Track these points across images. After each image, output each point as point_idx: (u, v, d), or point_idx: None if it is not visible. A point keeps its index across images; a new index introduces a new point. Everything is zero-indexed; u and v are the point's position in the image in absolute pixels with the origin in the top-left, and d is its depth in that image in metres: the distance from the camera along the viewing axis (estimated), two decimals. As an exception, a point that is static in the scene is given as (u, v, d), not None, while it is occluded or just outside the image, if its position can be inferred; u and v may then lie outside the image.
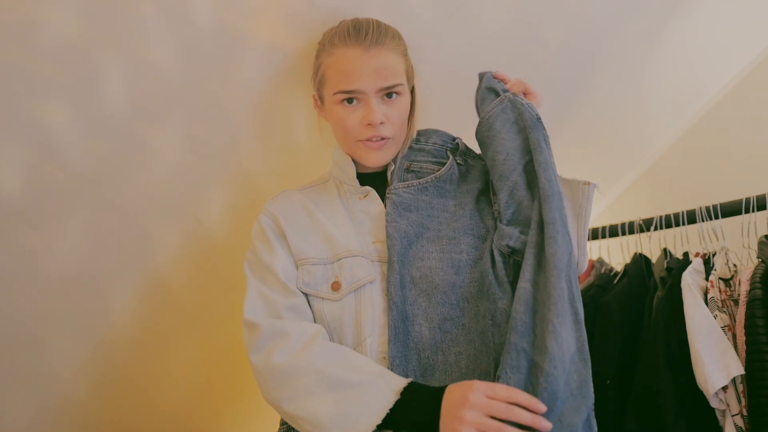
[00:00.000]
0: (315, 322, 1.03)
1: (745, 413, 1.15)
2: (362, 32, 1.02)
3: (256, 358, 0.94)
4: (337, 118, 1.04)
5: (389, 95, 1.03)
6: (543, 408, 0.82)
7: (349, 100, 1.02)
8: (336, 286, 0.99)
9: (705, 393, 1.17)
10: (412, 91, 1.12)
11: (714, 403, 1.17)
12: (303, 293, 1.01)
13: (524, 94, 1.08)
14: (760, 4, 1.57)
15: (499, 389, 0.82)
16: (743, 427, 1.14)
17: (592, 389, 0.89)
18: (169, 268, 1.33)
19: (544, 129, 1.02)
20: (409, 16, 1.15)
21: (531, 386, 0.85)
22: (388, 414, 0.84)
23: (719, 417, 1.18)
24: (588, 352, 0.91)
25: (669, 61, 1.60)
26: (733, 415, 1.16)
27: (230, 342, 1.47)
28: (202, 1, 1.08)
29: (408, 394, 0.86)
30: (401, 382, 0.88)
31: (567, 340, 0.87)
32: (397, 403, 0.85)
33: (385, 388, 0.87)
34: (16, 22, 0.99)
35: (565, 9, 1.33)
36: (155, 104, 1.16)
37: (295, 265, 1.02)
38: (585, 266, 1.05)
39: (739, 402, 1.15)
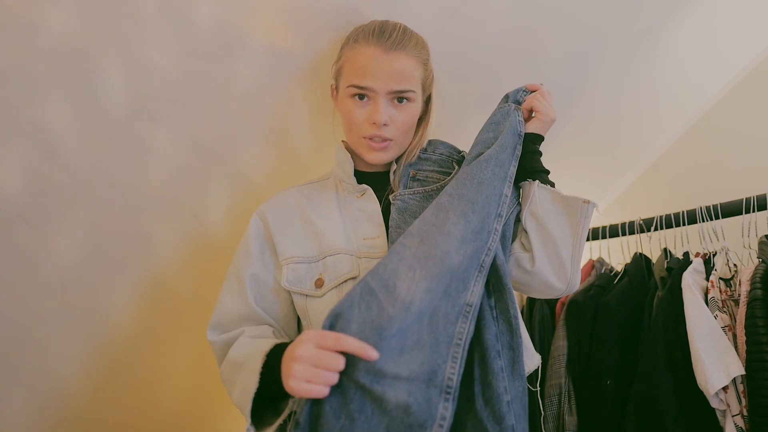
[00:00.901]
0: (297, 321, 1.08)
1: (745, 413, 1.15)
2: (386, 34, 1.04)
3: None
4: (346, 111, 1.07)
5: (399, 99, 1.05)
6: (374, 355, 0.80)
7: (360, 96, 1.05)
8: (319, 283, 1.01)
9: (705, 393, 1.17)
10: (429, 99, 1.13)
11: (714, 403, 1.17)
12: (287, 291, 1.04)
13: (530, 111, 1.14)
14: (759, 6, 1.57)
15: (328, 338, 0.80)
16: (744, 428, 1.14)
17: (436, 367, 0.84)
18: (169, 269, 1.33)
19: (521, 144, 1.08)
20: (408, 16, 1.15)
21: (358, 310, 0.83)
22: (262, 376, 0.86)
23: (719, 417, 1.18)
24: (446, 331, 0.87)
25: (668, 61, 1.60)
26: (733, 416, 1.15)
27: (230, 342, 1.47)
28: (202, 1, 1.08)
29: (272, 354, 0.88)
30: (268, 345, 0.90)
31: (422, 296, 0.85)
32: (264, 365, 0.87)
33: (259, 354, 0.89)
34: (16, 22, 0.99)
35: (564, 10, 1.33)
36: (155, 104, 1.16)
37: (278, 267, 1.05)
38: (577, 285, 1.06)
39: (740, 402, 1.15)
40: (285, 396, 0.88)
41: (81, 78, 1.07)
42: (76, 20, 1.02)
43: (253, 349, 0.93)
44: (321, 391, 0.80)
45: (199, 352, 1.46)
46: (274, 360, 0.87)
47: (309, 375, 0.80)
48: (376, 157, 1.07)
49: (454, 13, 1.24)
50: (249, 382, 0.87)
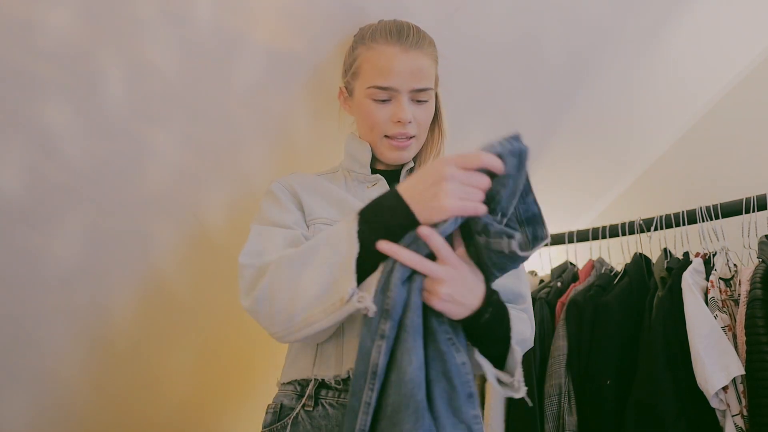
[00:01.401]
0: None
1: (745, 413, 1.15)
2: (404, 33, 1.05)
3: (246, 302, 0.87)
4: (366, 112, 1.06)
5: (419, 98, 1.05)
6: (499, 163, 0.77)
7: (382, 97, 1.04)
8: None
9: (705, 393, 1.17)
10: (435, 95, 1.13)
11: (714, 403, 1.17)
12: None
13: None
14: (759, 6, 1.57)
15: (470, 159, 0.77)
16: (743, 427, 1.14)
17: None
18: (168, 268, 1.33)
19: None
20: (408, 16, 1.15)
21: None
22: (359, 233, 0.79)
23: (719, 417, 1.18)
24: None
25: (669, 61, 1.60)
26: (733, 416, 1.16)
27: (229, 341, 1.47)
28: (202, 1, 1.08)
29: (368, 207, 0.83)
30: (354, 212, 0.84)
31: None
32: (360, 220, 0.81)
33: (344, 222, 0.83)
34: (16, 22, 0.99)
35: (564, 10, 1.33)
36: (155, 104, 1.16)
37: (306, 224, 1.00)
38: None
39: (740, 402, 1.15)
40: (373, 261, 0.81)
41: (81, 78, 1.07)
42: (75, 20, 1.02)
43: (328, 229, 0.85)
44: (476, 208, 0.77)
45: (200, 351, 1.46)
46: (372, 210, 0.81)
47: (463, 193, 0.76)
48: (398, 156, 1.07)
49: (454, 13, 1.24)
50: (340, 251, 0.80)
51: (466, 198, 0.77)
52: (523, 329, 0.98)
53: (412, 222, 0.79)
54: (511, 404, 1.46)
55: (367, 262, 0.80)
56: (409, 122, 1.04)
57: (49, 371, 1.29)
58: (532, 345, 1.04)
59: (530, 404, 1.07)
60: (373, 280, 0.80)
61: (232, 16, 1.11)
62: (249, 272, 0.89)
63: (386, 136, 1.06)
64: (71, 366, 1.31)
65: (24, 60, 1.02)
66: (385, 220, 0.81)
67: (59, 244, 1.19)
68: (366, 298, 0.77)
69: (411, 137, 1.06)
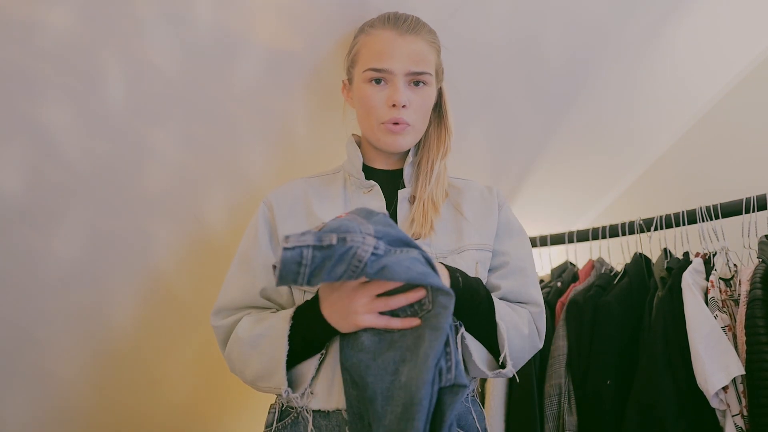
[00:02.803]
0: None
1: (745, 413, 1.15)
2: (401, 19, 1.07)
3: (226, 361, 1.04)
4: (363, 97, 1.06)
5: (416, 83, 1.05)
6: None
7: (377, 80, 1.04)
8: None
9: (705, 393, 1.17)
10: (440, 92, 1.13)
11: (714, 403, 1.17)
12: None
13: None
14: (759, 6, 1.57)
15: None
16: (743, 428, 1.14)
17: None
18: (168, 268, 1.33)
19: None
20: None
21: None
22: (291, 339, 0.92)
23: (719, 417, 1.18)
24: None
25: (670, 61, 1.60)
26: (733, 416, 1.16)
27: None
28: (202, 1, 1.08)
29: (298, 315, 0.95)
30: (292, 310, 0.96)
31: None
32: (293, 327, 0.93)
33: (282, 322, 0.95)
34: (16, 22, 0.99)
35: (564, 11, 1.33)
36: (155, 104, 1.16)
37: None
38: None
39: (740, 402, 1.15)
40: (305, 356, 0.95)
41: (81, 78, 1.07)
42: (75, 20, 1.02)
43: (273, 320, 0.97)
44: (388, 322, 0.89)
45: (200, 352, 1.46)
46: (301, 320, 0.93)
47: (370, 305, 0.89)
48: (393, 141, 1.05)
49: (454, 13, 1.24)
50: (275, 348, 0.93)
51: (374, 308, 0.88)
52: (517, 321, 1.00)
53: (333, 332, 0.92)
54: (511, 404, 1.46)
55: (299, 357, 0.94)
56: (404, 106, 1.03)
57: (49, 371, 1.29)
58: (540, 346, 1.06)
59: (518, 380, 1.23)
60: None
61: (232, 16, 1.11)
62: (217, 333, 1.05)
63: (383, 123, 1.05)
64: (71, 366, 1.31)
65: (24, 60, 1.02)
66: (310, 332, 0.93)
67: (59, 244, 1.19)
68: (296, 399, 0.94)
69: (406, 124, 1.04)
